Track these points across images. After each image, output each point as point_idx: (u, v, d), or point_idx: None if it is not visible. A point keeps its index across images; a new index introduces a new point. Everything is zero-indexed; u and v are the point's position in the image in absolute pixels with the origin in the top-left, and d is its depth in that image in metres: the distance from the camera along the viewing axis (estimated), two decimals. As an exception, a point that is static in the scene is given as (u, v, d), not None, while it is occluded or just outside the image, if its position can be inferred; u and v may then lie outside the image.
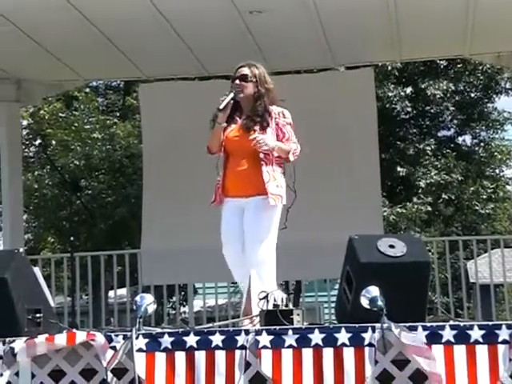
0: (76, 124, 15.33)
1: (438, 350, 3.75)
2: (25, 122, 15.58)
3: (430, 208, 14.45)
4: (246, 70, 4.96)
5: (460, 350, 3.74)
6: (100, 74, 9.07)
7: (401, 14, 6.91)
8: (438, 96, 14.76)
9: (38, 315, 4.25)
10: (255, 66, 5.00)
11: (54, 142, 15.83)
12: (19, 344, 3.88)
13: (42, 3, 6.35)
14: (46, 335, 3.89)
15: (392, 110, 14.31)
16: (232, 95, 4.87)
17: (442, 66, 14.94)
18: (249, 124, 4.87)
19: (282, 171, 5.02)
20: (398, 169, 14.36)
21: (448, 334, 3.77)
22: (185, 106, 8.39)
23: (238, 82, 4.92)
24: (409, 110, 14.68)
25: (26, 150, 16.36)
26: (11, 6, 6.40)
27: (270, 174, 4.90)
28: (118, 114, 16.77)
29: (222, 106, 4.82)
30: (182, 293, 14.54)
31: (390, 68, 13.73)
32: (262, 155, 4.87)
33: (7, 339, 3.94)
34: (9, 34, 6.94)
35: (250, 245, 4.88)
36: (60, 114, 15.60)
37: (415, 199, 14.41)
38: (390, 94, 14.11)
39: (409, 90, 14.47)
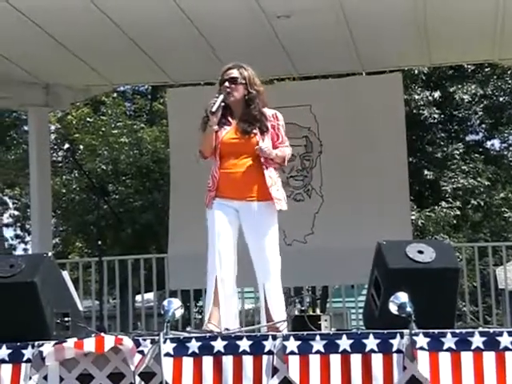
0: (103, 129, 15.42)
1: (467, 356, 3.71)
2: (52, 127, 15.70)
3: (458, 212, 14.33)
4: (235, 72, 4.84)
5: (489, 357, 3.70)
6: (128, 78, 9.11)
7: (430, 19, 6.86)
8: (466, 100, 14.66)
9: (66, 319, 4.26)
10: (243, 67, 4.88)
11: (81, 147, 15.94)
12: (48, 348, 3.89)
13: (66, 4, 6.37)
14: (75, 340, 3.91)
15: (419, 114, 14.23)
16: (222, 97, 4.77)
17: (469, 70, 14.84)
18: (247, 128, 4.77)
19: (278, 174, 4.91)
20: (426, 172, 14.28)
21: (477, 341, 3.73)
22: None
23: (227, 84, 4.81)
24: (436, 115, 14.59)
25: (54, 154, 16.50)
26: (35, 8, 6.44)
27: (272, 179, 4.79)
28: (145, 119, 16.85)
29: (214, 109, 4.72)
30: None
31: (416, 72, 13.66)
32: (262, 159, 4.77)
33: (36, 343, 3.96)
34: (37, 38, 7.00)
35: (257, 251, 4.76)
36: (88, 119, 15.70)
37: (443, 203, 14.32)
38: (417, 97, 14.03)
39: (437, 94, 14.38)
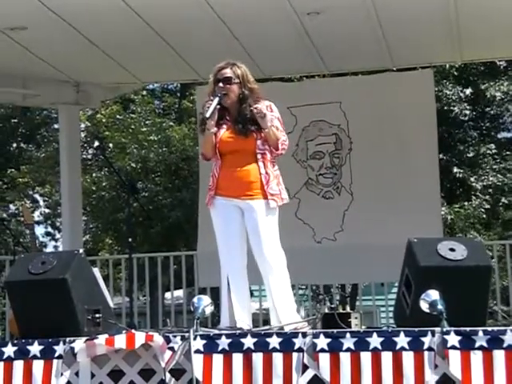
0: (133, 126, 15.49)
1: (499, 355, 3.68)
2: (82, 125, 15.80)
3: (488, 206, 14.21)
4: (228, 72, 4.75)
5: (522, 355, 3.67)
6: (157, 76, 9.12)
7: (462, 15, 6.80)
8: (498, 97, 14.53)
9: (97, 315, 4.30)
10: (236, 65, 4.80)
11: (111, 145, 16.02)
12: (79, 344, 3.92)
13: (96, 2, 6.38)
14: (106, 336, 3.93)
15: (451, 111, 14.13)
16: (217, 100, 4.69)
17: (501, 67, 14.70)
18: (241, 129, 4.72)
19: (276, 168, 4.84)
20: (455, 170, 14.17)
21: (509, 339, 3.71)
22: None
23: (221, 85, 4.73)
24: (467, 112, 14.47)
25: (84, 152, 16.60)
26: (66, 6, 6.46)
27: (269, 175, 4.75)
28: (173, 117, 16.89)
29: (208, 114, 4.65)
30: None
31: (448, 66, 13.55)
32: (259, 155, 4.72)
33: (67, 339, 3.99)
34: (67, 36, 7.05)
35: (259, 250, 4.73)
36: (117, 117, 15.78)
37: (473, 199, 14.21)
38: (448, 93, 13.93)
39: (468, 91, 14.28)
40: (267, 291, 4.81)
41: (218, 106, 4.70)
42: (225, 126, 4.80)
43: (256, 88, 4.81)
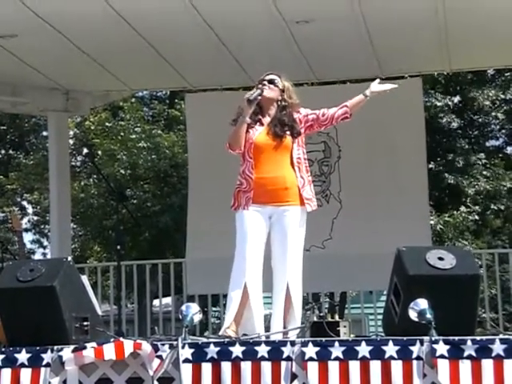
0: (122, 134, 15.46)
1: (487, 364, 3.69)
2: (71, 133, 15.75)
3: (477, 217, 14.24)
4: (275, 76, 4.99)
5: (510, 365, 3.67)
6: (147, 84, 9.13)
7: (450, 24, 6.84)
8: (486, 105, 14.58)
9: (85, 323, 4.28)
10: (283, 77, 5.03)
11: (100, 152, 15.98)
12: (67, 352, 3.90)
13: (85, 10, 6.39)
14: (95, 345, 3.90)
15: (440, 120, 14.17)
16: (259, 92, 4.85)
17: (489, 75, 14.77)
18: (278, 131, 4.83)
19: (309, 174, 4.95)
20: (446, 175, 14.20)
21: (498, 348, 3.71)
22: (230, 116, 8.38)
23: (266, 82, 4.93)
24: (456, 121, 14.51)
25: (73, 159, 16.55)
26: (56, 14, 6.47)
27: (303, 179, 4.84)
28: (162, 124, 16.86)
29: (252, 97, 4.79)
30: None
31: (436, 75, 13.59)
32: (295, 160, 4.82)
33: (55, 347, 3.97)
34: (57, 44, 7.04)
35: (282, 254, 4.80)
36: (106, 124, 15.75)
37: (463, 207, 14.25)
38: (439, 104, 13.97)
39: (456, 99, 14.32)
40: (277, 296, 4.81)
41: (259, 97, 4.83)
42: (258, 128, 4.88)
43: (295, 105, 5.00)
